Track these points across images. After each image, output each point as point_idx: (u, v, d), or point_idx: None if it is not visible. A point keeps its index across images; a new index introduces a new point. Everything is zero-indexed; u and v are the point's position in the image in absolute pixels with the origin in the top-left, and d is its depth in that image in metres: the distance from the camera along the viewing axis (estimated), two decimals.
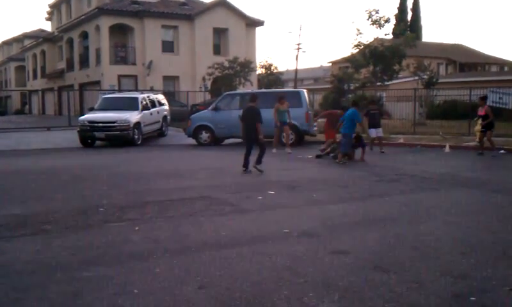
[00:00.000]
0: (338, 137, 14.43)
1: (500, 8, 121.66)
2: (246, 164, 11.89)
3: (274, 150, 16.16)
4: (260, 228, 6.57)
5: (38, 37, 50.24)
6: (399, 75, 29.05)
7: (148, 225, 6.73)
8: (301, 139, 19.30)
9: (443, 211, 7.68)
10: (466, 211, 7.71)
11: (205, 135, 19.57)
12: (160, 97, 23.99)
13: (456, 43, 62.79)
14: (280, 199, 8.59)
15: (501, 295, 4.27)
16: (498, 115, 19.16)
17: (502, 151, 15.09)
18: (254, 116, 11.86)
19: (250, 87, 32.16)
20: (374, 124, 16.27)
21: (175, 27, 35.77)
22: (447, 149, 15.95)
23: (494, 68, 56.94)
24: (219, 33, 37.18)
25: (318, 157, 14.84)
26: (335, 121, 15.13)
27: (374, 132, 16.33)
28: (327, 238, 6.03)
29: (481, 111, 15.15)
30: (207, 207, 7.80)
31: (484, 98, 15.69)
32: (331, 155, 14.39)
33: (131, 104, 20.32)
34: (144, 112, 20.43)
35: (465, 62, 56.26)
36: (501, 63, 59.56)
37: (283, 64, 72.80)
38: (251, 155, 11.90)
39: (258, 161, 11.73)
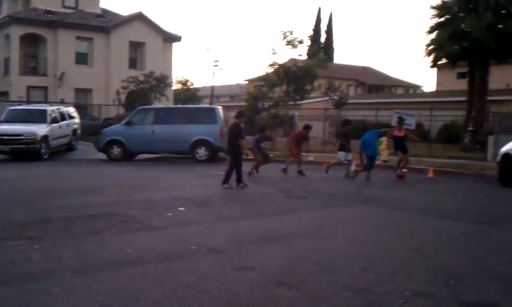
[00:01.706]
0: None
1: (405, 35, 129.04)
2: (226, 180, 11.91)
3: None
4: (167, 245, 6.51)
5: None
6: (311, 95, 29.92)
7: (50, 243, 6.46)
8: (214, 155, 19.36)
9: (347, 227, 7.98)
10: (369, 227, 8.05)
11: (116, 150, 19.10)
12: (71, 110, 23.24)
13: (365, 65, 65.68)
14: (189, 215, 8.55)
15: None
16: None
17: (404, 170, 15.89)
18: (236, 132, 12.17)
19: (166, 102, 31.89)
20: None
21: (90, 39, 34.85)
22: (354, 167, 16.57)
23: (399, 91, 60.06)
24: (136, 47, 36.65)
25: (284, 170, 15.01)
26: (301, 140, 15.66)
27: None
28: (234, 255, 6.07)
29: (399, 132, 15.67)
30: (114, 224, 7.62)
31: (402, 120, 16.31)
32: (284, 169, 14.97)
33: (39, 117, 19.50)
34: (52, 125, 19.67)
35: (373, 84, 58.98)
36: (406, 86, 63.00)
37: (200, 80, 73.19)
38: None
39: (239, 180, 11.95)
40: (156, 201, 9.98)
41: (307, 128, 15.97)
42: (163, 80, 31.54)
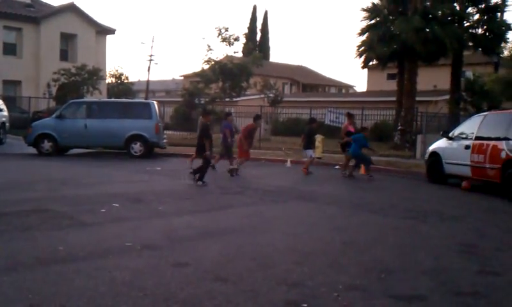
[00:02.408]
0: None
1: (339, 35, 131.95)
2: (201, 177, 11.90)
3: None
4: (100, 241, 6.36)
5: None
6: (247, 92, 30.10)
7: None
8: (150, 151, 19.11)
9: (282, 222, 8.11)
10: (303, 222, 8.21)
11: (47, 144, 18.47)
12: None
13: (300, 65, 66.72)
14: (124, 211, 8.40)
15: (330, 300, 4.57)
16: (334, 134, 20.72)
17: (336, 167, 16.29)
18: (203, 131, 12.30)
19: (99, 96, 31.13)
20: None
21: (19, 29, 33.46)
22: (289, 164, 16.85)
23: (333, 90, 61.43)
24: (67, 39, 35.52)
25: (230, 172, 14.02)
26: (253, 135, 14.92)
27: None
28: (169, 251, 6.02)
29: (351, 127, 15.85)
30: (44, 221, 7.36)
31: (351, 115, 16.46)
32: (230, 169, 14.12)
33: None
34: None
35: (308, 83, 60.03)
36: (339, 85, 64.54)
37: (135, 74, 71.77)
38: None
39: (200, 178, 11.76)
40: (89, 196, 9.72)
41: (258, 118, 15.14)
42: (96, 74, 30.76)
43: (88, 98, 27.00)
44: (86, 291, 4.52)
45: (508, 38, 23.53)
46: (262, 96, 35.37)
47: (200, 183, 11.76)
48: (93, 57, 34.33)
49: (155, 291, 4.58)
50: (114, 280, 4.86)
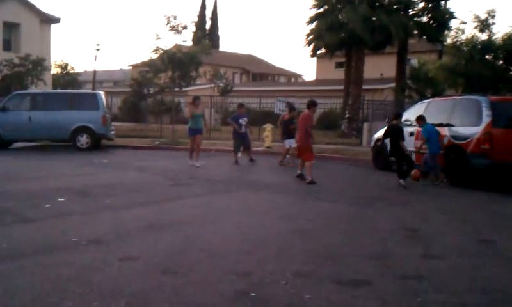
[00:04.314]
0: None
1: (288, 24, 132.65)
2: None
3: (190, 162, 14.25)
4: (46, 237, 6.21)
5: None
6: (197, 82, 29.87)
7: None
8: (97, 143, 18.76)
9: (232, 212, 8.14)
10: (253, 211, 8.27)
11: None
12: None
13: (250, 54, 66.72)
14: (70, 206, 8.21)
15: (278, 288, 4.63)
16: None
17: (287, 156, 16.42)
18: None
19: (44, 87, 30.20)
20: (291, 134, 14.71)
21: None
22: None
23: (282, 79, 61.80)
24: (10, 28, 34.19)
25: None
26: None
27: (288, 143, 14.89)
28: (117, 245, 5.95)
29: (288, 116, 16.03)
30: None
31: (290, 105, 16.40)
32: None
33: None
34: None
35: (258, 72, 60.14)
36: (288, 75, 64.96)
37: (81, 64, 69.86)
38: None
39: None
40: (33, 191, 9.46)
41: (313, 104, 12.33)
42: (40, 64, 29.78)
43: (33, 90, 26.17)
44: (30, 289, 4.41)
45: (451, 26, 24.23)
46: (212, 85, 35.23)
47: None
48: (38, 47, 33.16)
49: (101, 287, 4.51)
50: (59, 276, 4.76)
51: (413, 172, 11.92)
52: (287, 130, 14.86)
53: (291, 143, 14.67)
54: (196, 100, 14.51)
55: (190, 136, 14.51)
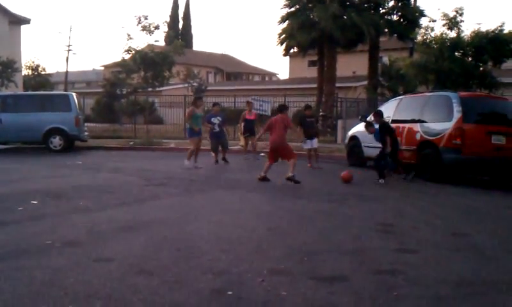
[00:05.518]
0: None
1: (261, 23, 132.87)
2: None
3: (194, 164, 13.90)
4: (18, 241, 6.10)
5: None
6: (171, 82, 29.72)
7: None
8: (70, 144, 18.54)
9: (208, 211, 8.12)
10: (228, 210, 8.25)
11: None
12: None
13: (224, 53, 66.67)
14: (43, 208, 8.09)
15: (255, 286, 4.63)
16: (259, 121, 20.87)
17: (262, 155, 16.47)
18: None
19: (15, 89, 29.69)
20: (311, 134, 14.58)
21: None
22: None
23: (256, 78, 61.87)
24: None
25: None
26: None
27: (309, 144, 14.69)
28: (92, 247, 5.87)
29: (250, 115, 16.48)
30: None
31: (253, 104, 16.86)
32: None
33: None
34: None
35: (232, 71, 60.15)
36: (262, 73, 65.08)
37: (53, 65, 68.84)
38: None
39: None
40: (5, 194, 9.28)
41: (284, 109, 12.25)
42: (11, 66, 29.28)
43: (3, 92, 25.71)
44: (2, 294, 4.33)
45: (421, 24, 24.60)
46: (186, 85, 35.09)
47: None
48: (7, 49, 32.52)
49: (76, 289, 4.46)
50: (33, 280, 4.68)
51: (342, 174, 11.65)
52: (307, 131, 14.44)
53: (313, 144, 14.56)
54: (197, 100, 14.55)
55: (193, 138, 14.11)
